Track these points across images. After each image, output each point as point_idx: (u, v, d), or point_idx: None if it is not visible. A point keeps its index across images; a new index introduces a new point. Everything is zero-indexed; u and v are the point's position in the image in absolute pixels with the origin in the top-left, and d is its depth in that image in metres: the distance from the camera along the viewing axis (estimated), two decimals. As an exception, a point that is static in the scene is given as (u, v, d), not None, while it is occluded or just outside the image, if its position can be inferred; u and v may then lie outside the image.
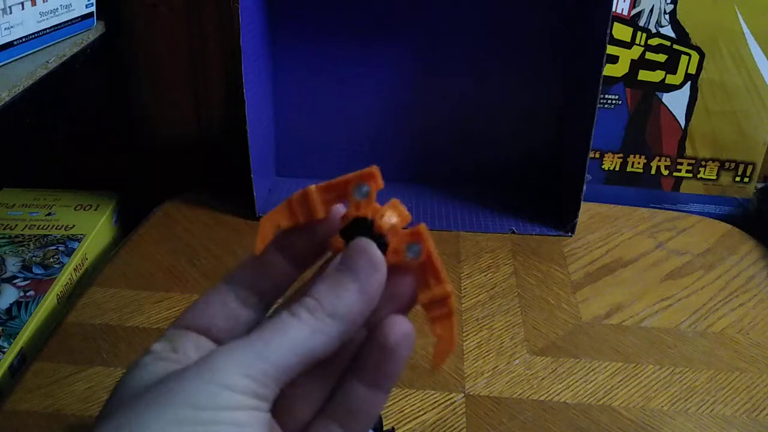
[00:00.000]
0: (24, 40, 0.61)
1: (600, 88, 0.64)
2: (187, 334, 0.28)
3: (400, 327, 0.26)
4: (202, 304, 0.29)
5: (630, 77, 0.74)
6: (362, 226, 0.27)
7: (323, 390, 0.27)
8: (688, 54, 0.72)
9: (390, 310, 0.27)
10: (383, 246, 0.26)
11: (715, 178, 0.77)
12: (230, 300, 0.28)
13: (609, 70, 0.73)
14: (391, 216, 0.27)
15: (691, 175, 0.77)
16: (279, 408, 0.26)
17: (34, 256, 0.67)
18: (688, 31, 0.71)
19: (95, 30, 0.72)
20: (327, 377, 0.27)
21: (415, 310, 0.28)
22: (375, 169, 0.28)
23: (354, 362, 0.27)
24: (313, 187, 0.28)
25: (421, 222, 0.27)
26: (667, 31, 0.71)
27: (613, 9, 0.64)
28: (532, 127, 0.77)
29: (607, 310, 0.61)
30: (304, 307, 0.26)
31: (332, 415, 0.27)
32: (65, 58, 0.66)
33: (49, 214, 0.74)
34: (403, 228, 0.28)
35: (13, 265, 0.66)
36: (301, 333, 0.25)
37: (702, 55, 0.72)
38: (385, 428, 0.46)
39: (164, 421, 0.23)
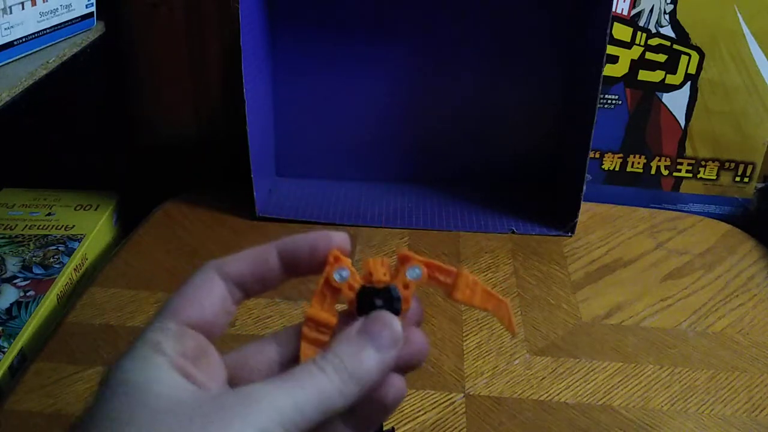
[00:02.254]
0: (24, 40, 0.61)
1: (600, 88, 0.64)
2: (192, 335, 0.28)
3: (399, 388, 0.28)
4: (201, 299, 0.29)
5: (630, 77, 0.74)
6: (379, 294, 0.28)
7: None
8: (688, 54, 0.72)
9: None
10: (398, 311, 0.28)
11: (715, 178, 0.77)
12: (225, 296, 0.29)
13: (609, 70, 0.73)
14: (405, 276, 0.29)
15: (691, 175, 0.77)
16: None
17: (34, 256, 0.67)
18: (688, 31, 0.71)
19: (95, 30, 0.72)
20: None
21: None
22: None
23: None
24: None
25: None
26: (667, 31, 0.71)
27: (613, 9, 0.64)
28: (532, 127, 0.77)
29: (607, 310, 0.61)
30: (330, 364, 0.26)
31: None
32: (65, 58, 0.66)
33: (49, 214, 0.74)
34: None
35: (13, 265, 0.66)
36: (328, 391, 0.26)
37: (702, 55, 0.72)
38: (385, 428, 0.46)
39: None
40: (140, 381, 0.26)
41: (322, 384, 0.26)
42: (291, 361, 0.29)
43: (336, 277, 0.28)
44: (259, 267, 0.29)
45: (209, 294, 0.29)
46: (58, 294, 0.63)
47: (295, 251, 0.30)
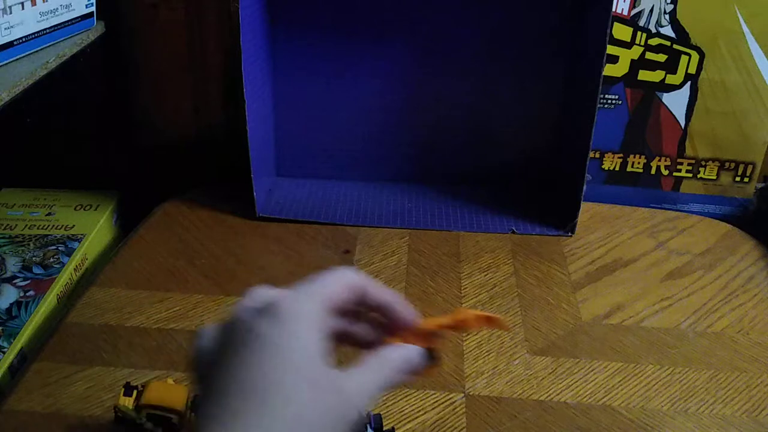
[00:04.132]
0: (24, 40, 0.61)
1: (600, 88, 0.64)
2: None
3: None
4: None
5: (630, 77, 0.74)
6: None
7: None
8: (688, 54, 0.72)
9: None
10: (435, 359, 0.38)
11: (715, 178, 0.77)
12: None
13: (609, 70, 0.73)
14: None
15: (691, 175, 0.77)
16: None
17: (34, 256, 0.67)
18: (688, 31, 0.71)
19: (95, 30, 0.72)
20: None
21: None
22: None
23: None
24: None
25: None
26: (667, 31, 0.71)
27: (613, 9, 0.64)
28: (532, 127, 0.77)
29: (607, 310, 0.61)
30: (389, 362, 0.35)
31: None
32: (65, 58, 0.66)
33: (49, 214, 0.74)
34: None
35: (13, 265, 0.66)
36: (389, 378, 0.35)
37: (702, 55, 0.72)
38: (385, 428, 0.46)
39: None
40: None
41: (387, 373, 0.35)
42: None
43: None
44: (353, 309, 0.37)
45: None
46: (58, 294, 0.63)
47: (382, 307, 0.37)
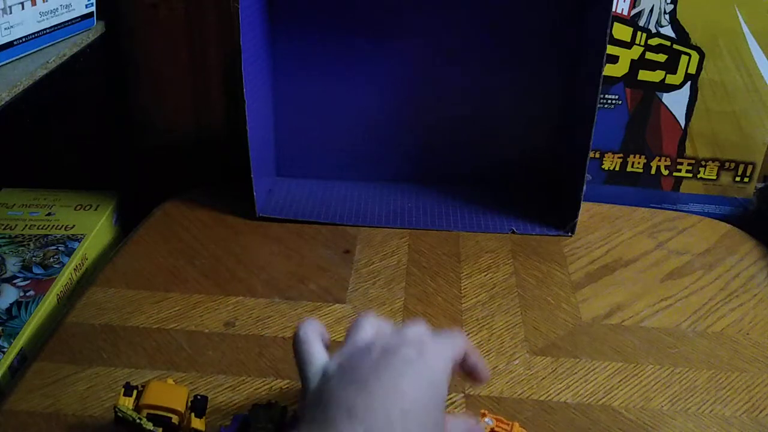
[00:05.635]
0: (24, 40, 0.61)
1: (600, 88, 0.64)
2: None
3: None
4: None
5: (630, 77, 0.74)
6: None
7: None
8: (688, 54, 0.72)
9: None
10: None
11: (715, 178, 0.77)
12: None
13: (609, 70, 0.73)
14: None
15: (691, 175, 0.77)
16: None
17: (34, 256, 0.67)
18: (688, 31, 0.71)
19: (95, 30, 0.72)
20: None
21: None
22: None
23: None
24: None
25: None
26: (667, 31, 0.71)
27: (613, 9, 0.64)
28: (532, 127, 0.77)
29: (607, 310, 0.61)
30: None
31: None
32: (65, 58, 0.66)
33: (49, 214, 0.74)
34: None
35: (13, 265, 0.66)
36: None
37: (702, 55, 0.72)
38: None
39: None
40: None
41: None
42: None
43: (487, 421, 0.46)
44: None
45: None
46: (58, 294, 0.63)
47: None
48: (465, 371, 0.42)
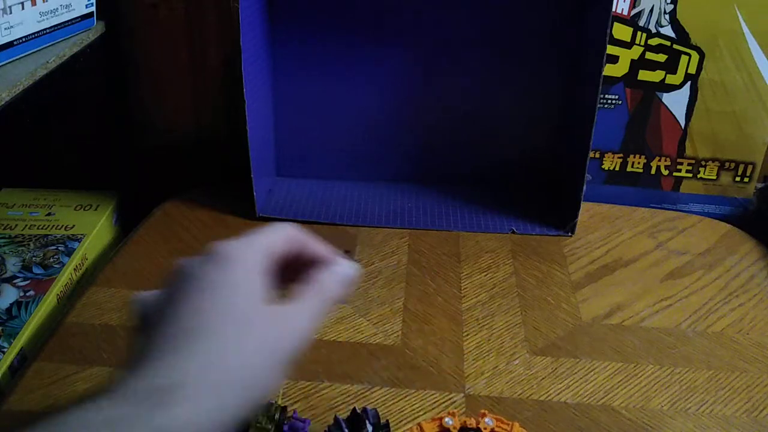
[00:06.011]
0: (24, 40, 0.61)
1: (600, 88, 0.64)
2: None
3: None
4: None
5: (630, 77, 0.74)
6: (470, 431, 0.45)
7: None
8: (688, 54, 0.72)
9: None
10: None
11: (715, 178, 0.77)
12: None
13: (609, 70, 0.73)
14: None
15: (691, 175, 0.77)
16: None
17: (34, 256, 0.67)
18: (688, 31, 0.71)
19: (95, 30, 0.72)
20: None
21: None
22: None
23: None
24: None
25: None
26: (667, 31, 0.71)
27: (613, 9, 0.64)
28: (532, 127, 0.77)
29: (607, 310, 0.61)
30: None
31: None
32: (65, 58, 0.66)
33: (49, 214, 0.74)
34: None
35: (13, 265, 0.66)
36: (327, 299, 0.37)
37: (702, 55, 0.72)
38: (382, 422, 0.46)
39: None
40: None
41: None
42: None
43: (447, 421, 0.45)
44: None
45: None
46: (58, 294, 0.63)
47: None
48: (305, 263, 0.38)
